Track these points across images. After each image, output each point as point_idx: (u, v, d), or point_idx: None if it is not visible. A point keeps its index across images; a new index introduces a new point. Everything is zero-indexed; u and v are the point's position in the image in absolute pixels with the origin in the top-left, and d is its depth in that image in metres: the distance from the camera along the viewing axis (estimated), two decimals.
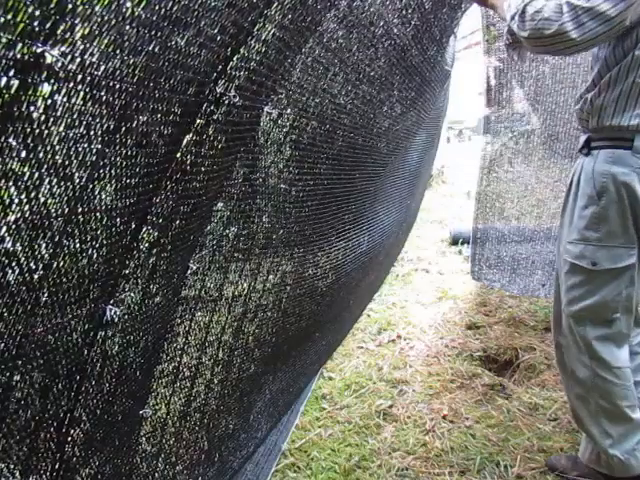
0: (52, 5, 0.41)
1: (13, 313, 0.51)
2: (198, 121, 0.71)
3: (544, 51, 1.54)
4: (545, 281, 3.53)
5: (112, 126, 0.53)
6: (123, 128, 0.54)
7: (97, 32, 0.46)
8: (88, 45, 0.46)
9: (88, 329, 0.64)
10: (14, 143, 0.44)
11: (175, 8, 0.54)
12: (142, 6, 0.50)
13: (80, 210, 0.54)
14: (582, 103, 1.61)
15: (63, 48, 0.44)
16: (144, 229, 0.69)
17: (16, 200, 0.46)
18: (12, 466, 0.60)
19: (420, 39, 1.55)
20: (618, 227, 1.53)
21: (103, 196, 0.57)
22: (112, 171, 0.56)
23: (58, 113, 0.46)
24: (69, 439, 0.67)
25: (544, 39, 1.40)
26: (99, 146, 0.52)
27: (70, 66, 0.45)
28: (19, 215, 0.47)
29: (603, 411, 1.63)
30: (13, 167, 0.45)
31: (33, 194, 0.47)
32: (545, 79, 3.38)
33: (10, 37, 0.39)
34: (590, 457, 1.70)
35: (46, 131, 0.46)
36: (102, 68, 0.49)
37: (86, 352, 0.65)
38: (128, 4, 0.48)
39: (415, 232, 5.02)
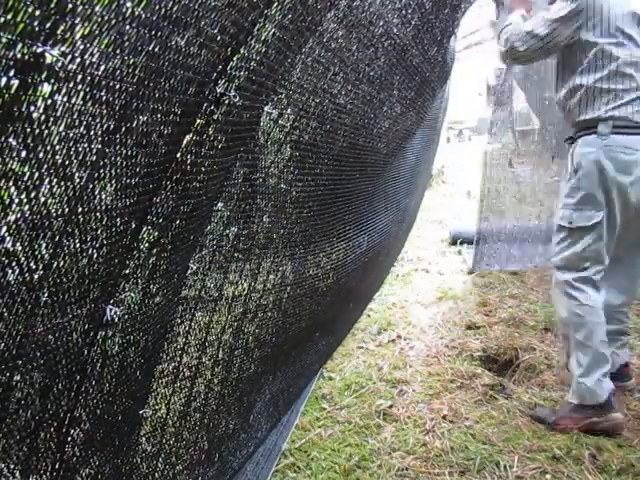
0: (52, 5, 0.41)
1: (13, 313, 0.51)
2: (198, 121, 0.71)
3: (510, 60, 2.27)
4: (542, 251, 3.86)
5: (112, 126, 0.53)
6: (123, 128, 0.54)
7: (97, 32, 0.46)
8: (88, 45, 0.46)
9: (88, 329, 0.64)
10: (14, 143, 0.44)
11: (175, 8, 0.54)
12: (142, 6, 0.50)
13: (80, 210, 0.54)
14: (559, 106, 2.18)
15: (63, 48, 0.43)
16: (144, 229, 0.69)
17: (16, 200, 0.46)
18: (12, 466, 0.60)
19: (420, 39, 1.55)
20: (589, 193, 1.98)
21: (103, 196, 0.56)
22: (112, 171, 0.56)
23: (58, 113, 0.46)
24: (69, 439, 0.67)
25: (505, 52, 2.13)
26: (99, 146, 0.52)
27: (70, 66, 0.45)
28: (19, 215, 0.47)
29: (577, 344, 2.00)
30: (13, 167, 0.45)
31: (33, 194, 0.47)
32: (546, 79, 3.39)
33: (10, 37, 0.39)
34: (570, 391, 2.05)
35: (46, 131, 0.46)
36: (102, 68, 0.49)
37: (86, 352, 0.65)
38: (128, 4, 0.48)
39: (415, 232, 5.01)
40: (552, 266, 2.13)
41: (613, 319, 2.10)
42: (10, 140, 0.43)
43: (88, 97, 0.48)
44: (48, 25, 0.41)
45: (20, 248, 0.49)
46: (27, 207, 0.48)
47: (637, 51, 1.95)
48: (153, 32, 0.52)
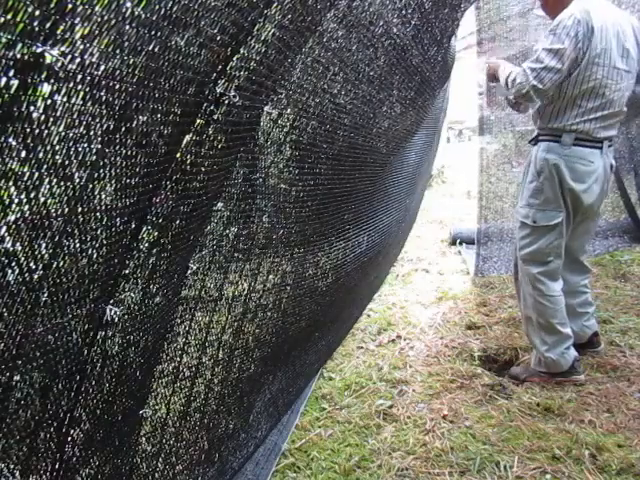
0: (52, 5, 0.41)
1: (13, 313, 0.51)
2: (198, 121, 0.71)
3: (528, 101, 2.19)
4: None
5: (112, 126, 0.53)
6: (123, 128, 0.54)
7: (97, 32, 0.46)
8: (88, 45, 0.46)
9: (88, 329, 0.64)
10: (14, 143, 0.44)
11: (175, 8, 0.54)
12: (142, 6, 0.50)
13: (80, 210, 0.54)
14: (535, 110, 2.32)
15: (63, 48, 0.43)
16: (144, 229, 0.69)
17: (16, 200, 0.46)
18: (12, 466, 0.60)
19: (420, 39, 1.55)
20: (551, 196, 2.22)
21: (103, 196, 0.56)
22: (112, 171, 0.56)
23: (58, 113, 0.46)
24: (69, 439, 0.67)
25: (524, 96, 2.12)
26: (99, 146, 0.52)
27: (70, 66, 0.45)
28: (19, 215, 0.47)
29: (540, 326, 2.33)
30: (13, 167, 0.45)
31: (33, 194, 0.47)
32: None
33: (10, 37, 0.39)
34: (535, 361, 2.39)
35: (46, 131, 0.46)
36: (102, 68, 0.49)
37: (86, 352, 0.65)
38: (128, 4, 0.48)
39: (415, 232, 5.01)
40: (518, 258, 2.39)
41: (577, 292, 2.47)
42: (10, 140, 0.43)
43: (88, 97, 0.48)
44: (48, 25, 0.41)
45: (20, 248, 0.49)
46: (27, 207, 0.48)
47: (613, 73, 2.14)
48: (153, 32, 0.52)
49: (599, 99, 2.16)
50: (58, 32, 0.42)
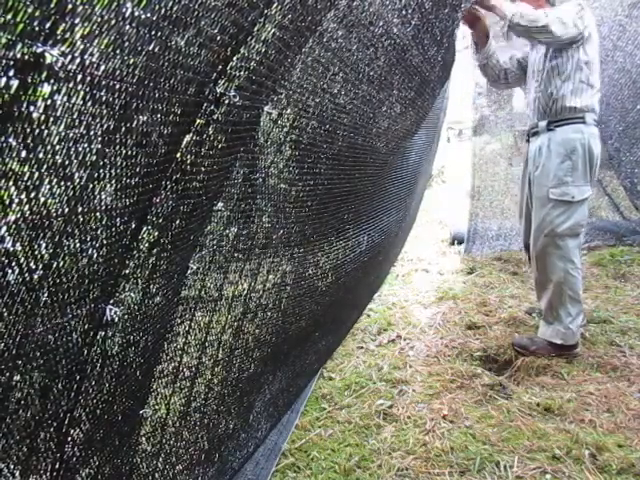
0: (52, 5, 0.41)
1: (13, 313, 0.51)
2: (198, 121, 0.71)
3: (541, 36, 2.33)
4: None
5: (112, 126, 0.53)
6: (123, 128, 0.54)
7: (97, 32, 0.46)
8: (88, 45, 0.46)
9: (88, 329, 0.64)
10: (14, 143, 0.44)
11: (175, 8, 0.54)
12: (142, 6, 0.50)
13: (80, 210, 0.54)
14: (547, 97, 2.48)
15: (63, 48, 0.43)
16: (144, 229, 0.69)
17: (16, 200, 0.46)
18: (12, 466, 0.60)
19: (420, 39, 1.55)
20: (583, 173, 2.42)
21: (103, 196, 0.56)
22: (112, 171, 0.56)
23: (58, 113, 0.46)
24: (69, 439, 0.67)
25: (536, 27, 2.26)
26: (99, 146, 0.52)
27: (70, 66, 0.45)
28: (19, 215, 0.47)
29: (570, 298, 2.49)
30: (13, 167, 0.45)
31: (33, 194, 0.47)
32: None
33: (10, 37, 0.39)
34: (551, 333, 2.52)
35: (46, 131, 0.46)
36: (102, 68, 0.49)
37: (86, 352, 0.65)
38: (128, 4, 0.48)
39: (415, 232, 5.01)
40: (550, 237, 2.48)
41: None
42: (10, 140, 0.43)
43: (88, 97, 0.48)
44: (48, 25, 0.41)
45: (20, 248, 0.49)
46: (27, 207, 0.48)
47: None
48: (153, 32, 0.52)
49: (599, 82, 2.42)
50: (58, 32, 0.42)
